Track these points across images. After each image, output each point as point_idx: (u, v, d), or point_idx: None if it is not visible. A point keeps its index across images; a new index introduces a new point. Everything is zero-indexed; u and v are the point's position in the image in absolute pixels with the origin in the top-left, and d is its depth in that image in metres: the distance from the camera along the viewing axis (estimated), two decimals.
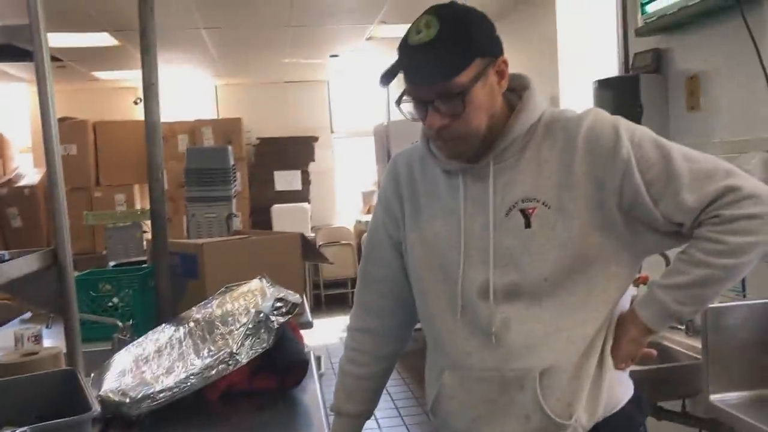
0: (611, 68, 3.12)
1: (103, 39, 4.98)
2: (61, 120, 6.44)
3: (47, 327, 2.51)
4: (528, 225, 1.25)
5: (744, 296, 2.25)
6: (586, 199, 1.24)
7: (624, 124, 1.27)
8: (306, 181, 7.48)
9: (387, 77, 1.25)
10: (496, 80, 1.26)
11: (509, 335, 1.27)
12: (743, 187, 1.20)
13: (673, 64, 2.61)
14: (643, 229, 1.26)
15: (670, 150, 1.25)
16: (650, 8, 2.57)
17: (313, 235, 7.26)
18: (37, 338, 2.27)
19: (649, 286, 1.29)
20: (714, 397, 1.82)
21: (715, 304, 1.86)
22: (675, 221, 1.24)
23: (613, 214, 1.24)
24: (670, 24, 2.50)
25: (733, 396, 1.83)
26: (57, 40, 4.92)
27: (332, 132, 7.96)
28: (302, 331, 2.17)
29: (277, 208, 7.15)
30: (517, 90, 1.34)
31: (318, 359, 2.24)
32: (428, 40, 1.20)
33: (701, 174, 1.22)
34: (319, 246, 7.20)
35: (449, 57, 1.20)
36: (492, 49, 1.25)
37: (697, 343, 2.06)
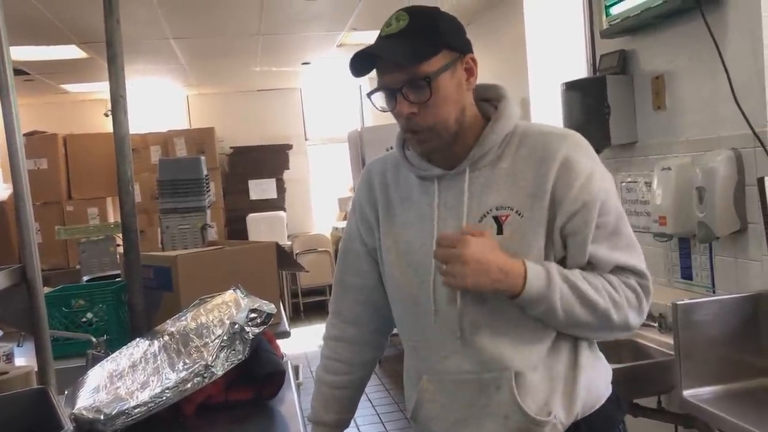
0: (580, 70, 3.16)
1: (71, 51, 4.93)
2: (31, 134, 6.35)
3: (18, 345, 2.47)
4: (500, 231, 1.28)
5: (713, 292, 2.29)
6: (546, 210, 1.28)
7: (600, 168, 1.32)
8: (281, 189, 7.45)
9: (358, 64, 1.28)
10: (465, 76, 1.31)
11: (480, 338, 1.30)
12: (650, 285, 1.34)
13: (638, 65, 2.65)
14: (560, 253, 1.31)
15: (621, 208, 1.34)
16: (614, 10, 2.60)
17: (289, 243, 7.23)
18: (9, 357, 2.23)
19: (553, 267, 1.28)
20: (687, 393, 1.85)
21: (685, 300, 1.89)
22: (592, 263, 1.30)
23: (556, 230, 1.29)
24: (634, 25, 2.53)
25: (705, 391, 1.85)
26: (24, 53, 4.85)
27: (306, 139, 7.94)
28: (280, 341, 2.16)
29: (252, 217, 7.12)
30: (492, 100, 1.37)
31: (296, 369, 2.23)
32: (398, 31, 1.26)
33: (633, 243, 1.34)
34: (296, 254, 7.18)
35: (417, 44, 1.25)
36: (460, 45, 1.30)
37: (670, 340, 2.09)
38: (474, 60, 1.31)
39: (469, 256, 1.20)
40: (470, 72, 1.31)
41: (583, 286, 1.26)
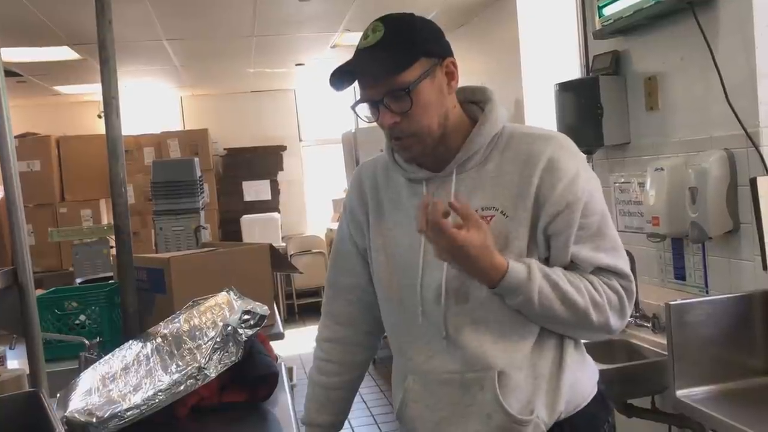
0: (573, 71, 3.17)
1: (63, 53, 4.91)
2: (23, 136, 6.33)
3: (11, 348, 2.45)
4: None
5: (706, 292, 2.30)
6: (530, 211, 1.28)
7: (585, 170, 1.32)
8: (275, 190, 7.44)
9: (338, 79, 1.29)
10: (445, 81, 1.31)
11: (464, 337, 1.31)
12: (633, 288, 1.35)
13: (631, 66, 2.65)
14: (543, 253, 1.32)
15: (605, 210, 1.34)
16: (607, 11, 2.61)
17: (284, 244, 7.22)
18: (0, 360, 2.22)
19: (534, 263, 1.28)
20: (680, 393, 1.85)
21: (679, 301, 1.90)
22: (575, 263, 1.31)
23: (540, 231, 1.30)
24: (626, 26, 2.54)
25: (698, 391, 1.86)
26: (16, 54, 4.83)
27: (300, 140, 7.93)
28: (274, 343, 2.16)
29: (246, 219, 7.10)
30: (479, 103, 1.38)
31: (290, 370, 2.23)
32: (374, 43, 1.27)
33: (618, 245, 1.34)
34: (291, 255, 7.17)
35: (393, 56, 1.25)
36: (438, 51, 1.31)
37: (664, 340, 2.09)
38: (454, 63, 1.32)
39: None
40: (451, 76, 1.32)
41: (563, 285, 1.27)
